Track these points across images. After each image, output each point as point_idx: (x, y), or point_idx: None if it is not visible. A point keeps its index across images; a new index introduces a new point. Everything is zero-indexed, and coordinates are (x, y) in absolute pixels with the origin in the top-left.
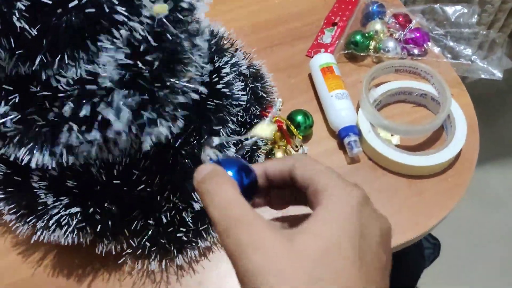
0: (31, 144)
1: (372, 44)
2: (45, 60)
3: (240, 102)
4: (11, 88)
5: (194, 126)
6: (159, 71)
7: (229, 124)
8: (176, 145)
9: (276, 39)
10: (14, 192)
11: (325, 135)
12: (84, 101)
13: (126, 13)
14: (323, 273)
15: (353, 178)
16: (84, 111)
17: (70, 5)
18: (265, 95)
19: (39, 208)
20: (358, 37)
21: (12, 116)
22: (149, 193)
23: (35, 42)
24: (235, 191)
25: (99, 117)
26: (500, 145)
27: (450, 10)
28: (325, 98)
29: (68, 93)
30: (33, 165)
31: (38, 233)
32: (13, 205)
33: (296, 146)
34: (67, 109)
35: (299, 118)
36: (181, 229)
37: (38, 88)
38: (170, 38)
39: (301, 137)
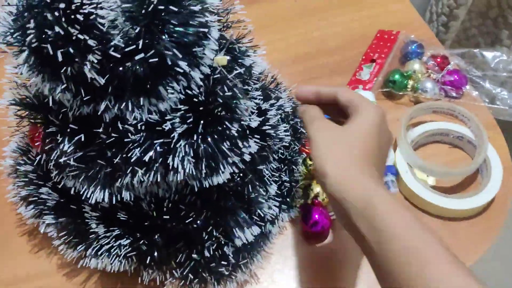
0: (93, 182)
1: (410, 83)
2: (110, 105)
3: (284, 144)
4: (76, 127)
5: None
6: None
7: (271, 163)
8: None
9: (315, 73)
10: (66, 220)
11: None
12: (150, 147)
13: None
14: (356, 145)
15: None
16: (149, 156)
17: (137, 57)
18: (304, 131)
19: (90, 236)
20: (396, 76)
21: (75, 155)
22: (194, 227)
23: (102, 89)
24: (318, 111)
25: (160, 160)
26: None
27: (489, 55)
28: None
29: (135, 138)
30: (92, 201)
31: (87, 259)
32: (64, 232)
33: None
34: (134, 155)
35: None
36: (222, 262)
37: (102, 130)
38: (226, 87)
39: None
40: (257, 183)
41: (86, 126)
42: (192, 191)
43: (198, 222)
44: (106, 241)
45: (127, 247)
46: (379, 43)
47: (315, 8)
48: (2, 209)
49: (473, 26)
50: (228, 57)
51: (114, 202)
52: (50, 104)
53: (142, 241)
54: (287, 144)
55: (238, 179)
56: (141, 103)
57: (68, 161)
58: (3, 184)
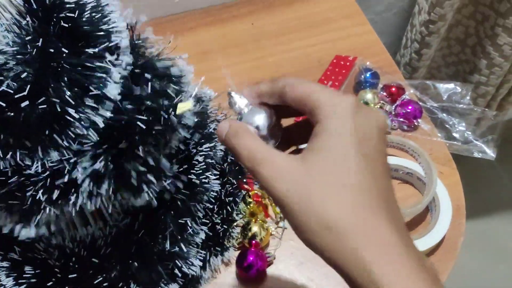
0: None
1: None
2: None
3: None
4: None
5: (160, 216)
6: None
7: (198, 214)
8: (140, 234)
9: None
10: None
11: None
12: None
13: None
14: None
15: None
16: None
17: (23, 104)
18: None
19: None
20: None
21: None
22: (108, 283)
23: None
24: (254, 139)
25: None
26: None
27: (442, 88)
28: None
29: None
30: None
31: None
32: None
33: (278, 222)
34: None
35: None
36: None
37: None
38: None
39: (278, 212)
40: (179, 236)
41: None
42: (107, 242)
43: (110, 277)
44: None
45: None
46: (335, 69)
47: (271, 32)
48: None
49: (452, 54)
50: (192, 102)
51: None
52: None
53: None
54: (223, 181)
55: (158, 231)
56: (34, 153)
57: None
58: None
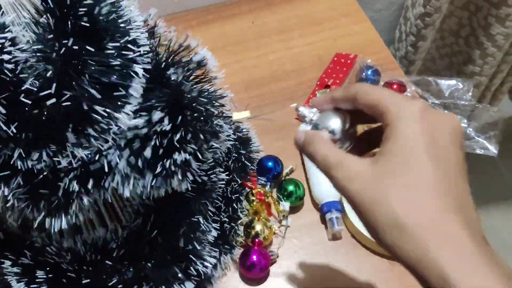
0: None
1: None
2: (23, 155)
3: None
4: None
5: (171, 215)
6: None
7: (209, 212)
8: (152, 235)
9: (268, 98)
10: None
11: (309, 207)
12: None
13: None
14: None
15: (333, 257)
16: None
17: (49, 102)
18: (249, 164)
19: None
20: None
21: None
22: (122, 285)
23: (13, 137)
24: (327, 146)
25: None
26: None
27: (444, 84)
28: (310, 168)
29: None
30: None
31: None
32: None
33: (280, 220)
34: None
35: (291, 187)
36: None
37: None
38: None
39: (280, 210)
40: (192, 235)
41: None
42: (120, 244)
43: (124, 279)
44: None
45: None
46: (336, 67)
47: (272, 29)
48: None
49: (445, 45)
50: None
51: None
52: None
53: None
54: (228, 179)
55: (171, 231)
56: (56, 151)
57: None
58: None
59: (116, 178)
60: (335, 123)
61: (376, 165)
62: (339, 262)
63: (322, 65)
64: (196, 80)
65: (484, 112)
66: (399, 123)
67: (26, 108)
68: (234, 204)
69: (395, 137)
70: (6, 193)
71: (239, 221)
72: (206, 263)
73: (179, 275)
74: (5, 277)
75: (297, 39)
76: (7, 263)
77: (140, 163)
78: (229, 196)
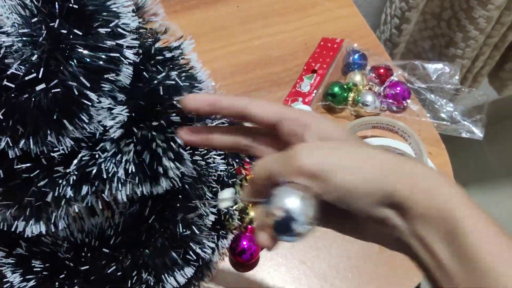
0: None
1: (351, 96)
2: (10, 142)
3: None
4: None
5: (168, 201)
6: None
7: (206, 196)
8: (150, 220)
9: (254, 84)
10: None
11: None
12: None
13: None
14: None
15: (321, 242)
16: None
17: (38, 88)
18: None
19: (4, 287)
20: (336, 89)
21: None
22: (119, 274)
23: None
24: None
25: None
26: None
27: (431, 67)
28: None
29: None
30: (29, 234)
31: None
32: None
33: None
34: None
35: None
36: None
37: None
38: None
39: None
40: (190, 220)
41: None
42: (117, 232)
43: (122, 267)
44: None
45: None
46: (322, 52)
47: (257, 15)
48: None
49: (428, 28)
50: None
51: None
52: None
53: None
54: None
55: (169, 215)
56: (48, 138)
57: None
58: None
59: (113, 184)
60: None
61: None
62: (327, 248)
63: (308, 50)
64: (177, 67)
65: (469, 95)
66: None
67: (12, 95)
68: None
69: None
70: None
71: (235, 206)
72: (205, 249)
73: (178, 261)
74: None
75: (282, 25)
76: (0, 254)
77: (136, 169)
78: (226, 180)
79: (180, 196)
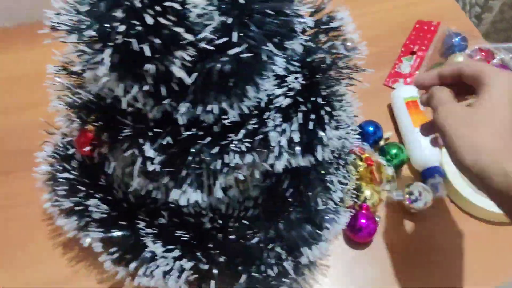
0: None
1: None
2: (189, 108)
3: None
4: (161, 130)
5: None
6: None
7: (338, 172)
8: (286, 194)
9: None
10: (118, 236)
11: (404, 172)
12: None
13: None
14: (499, 121)
15: (433, 220)
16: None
17: (230, 52)
18: None
19: (146, 256)
20: None
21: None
22: (257, 243)
23: (182, 89)
24: (446, 93)
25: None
26: None
27: None
28: (409, 134)
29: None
30: (185, 202)
31: (138, 278)
32: (115, 248)
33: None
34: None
35: (394, 151)
36: (283, 279)
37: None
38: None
39: (388, 175)
40: (324, 193)
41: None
42: (255, 205)
43: (261, 237)
44: (165, 262)
45: (189, 270)
46: (419, 34)
47: None
48: (34, 219)
49: (504, 19)
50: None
51: (171, 216)
52: (124, 106)
53: (203, 261)
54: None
55: (302, 189)
56: (223, 105)
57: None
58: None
59: (273, 153)
60: None
61: (470, 110)
62: (439, 226)
63: (402, 33)
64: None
65: None
66: (493, 85)
67: (204, 59)
68: (347, 167)
69: (489, 93)
70: (150, 154)
71: (348, 187)
72: (336, 224)
73: (314, 234)
74: (141, 238)
75: (376, 5)
76: (142, 224)
77: (299, 138)
78: (343, 157)
79: (316, 173)
